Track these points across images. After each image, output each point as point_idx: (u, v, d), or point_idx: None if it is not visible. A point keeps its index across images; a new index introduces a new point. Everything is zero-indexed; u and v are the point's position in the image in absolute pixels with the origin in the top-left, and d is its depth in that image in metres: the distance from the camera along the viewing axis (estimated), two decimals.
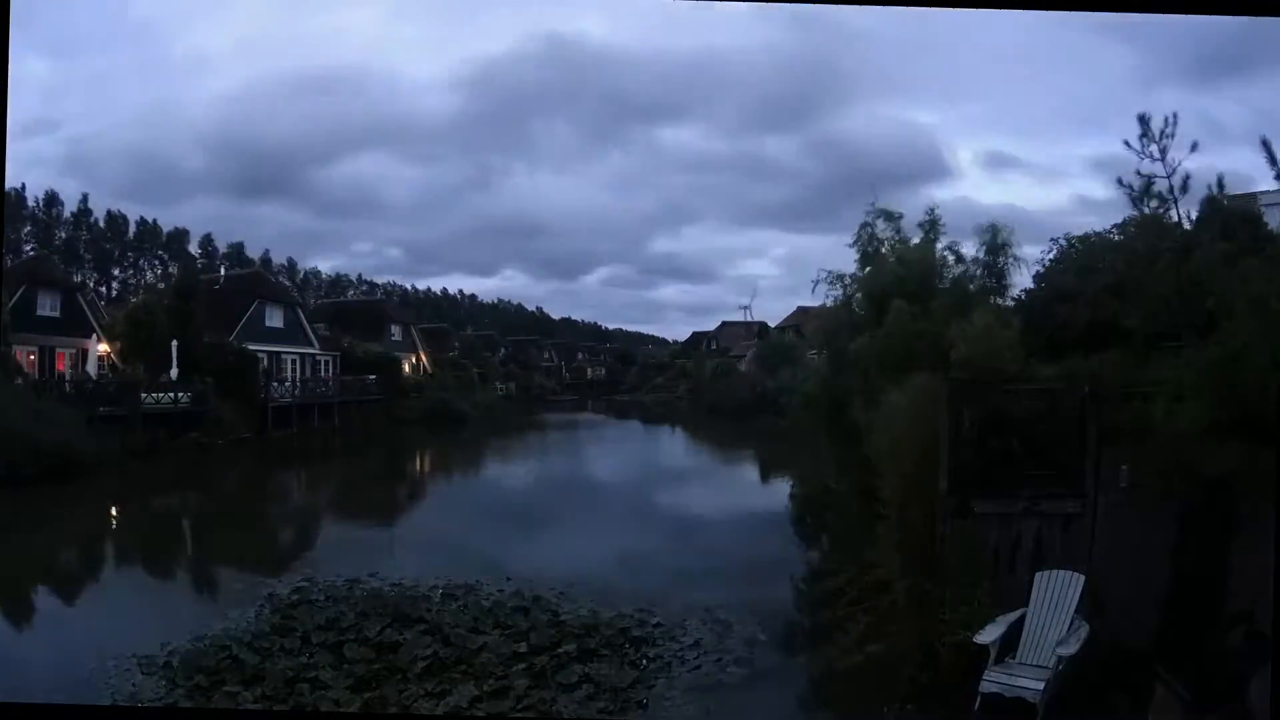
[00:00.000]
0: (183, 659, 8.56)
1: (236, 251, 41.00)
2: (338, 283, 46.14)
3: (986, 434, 8.37)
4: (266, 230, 41.52)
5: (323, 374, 33.25)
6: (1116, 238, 10.96)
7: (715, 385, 39.19)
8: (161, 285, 36.42)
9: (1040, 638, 7.36)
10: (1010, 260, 11.89)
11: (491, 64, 41.74)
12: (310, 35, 41.13)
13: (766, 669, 8.66)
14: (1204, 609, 7.00)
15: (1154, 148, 8.77)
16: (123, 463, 20.72)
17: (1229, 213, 9.48)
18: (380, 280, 46.29)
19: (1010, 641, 7.34)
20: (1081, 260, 11.26)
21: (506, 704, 7.78)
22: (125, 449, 21.46)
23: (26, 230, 37.18)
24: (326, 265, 45.66)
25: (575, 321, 51.46)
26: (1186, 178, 8.90)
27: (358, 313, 38.39)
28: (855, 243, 13.25)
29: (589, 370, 50.35)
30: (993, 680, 6.98)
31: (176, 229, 40.97)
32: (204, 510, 19.16)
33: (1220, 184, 9.29)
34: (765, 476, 24.22)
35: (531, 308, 50.13)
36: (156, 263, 41.73)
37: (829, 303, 14.22)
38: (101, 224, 40.13)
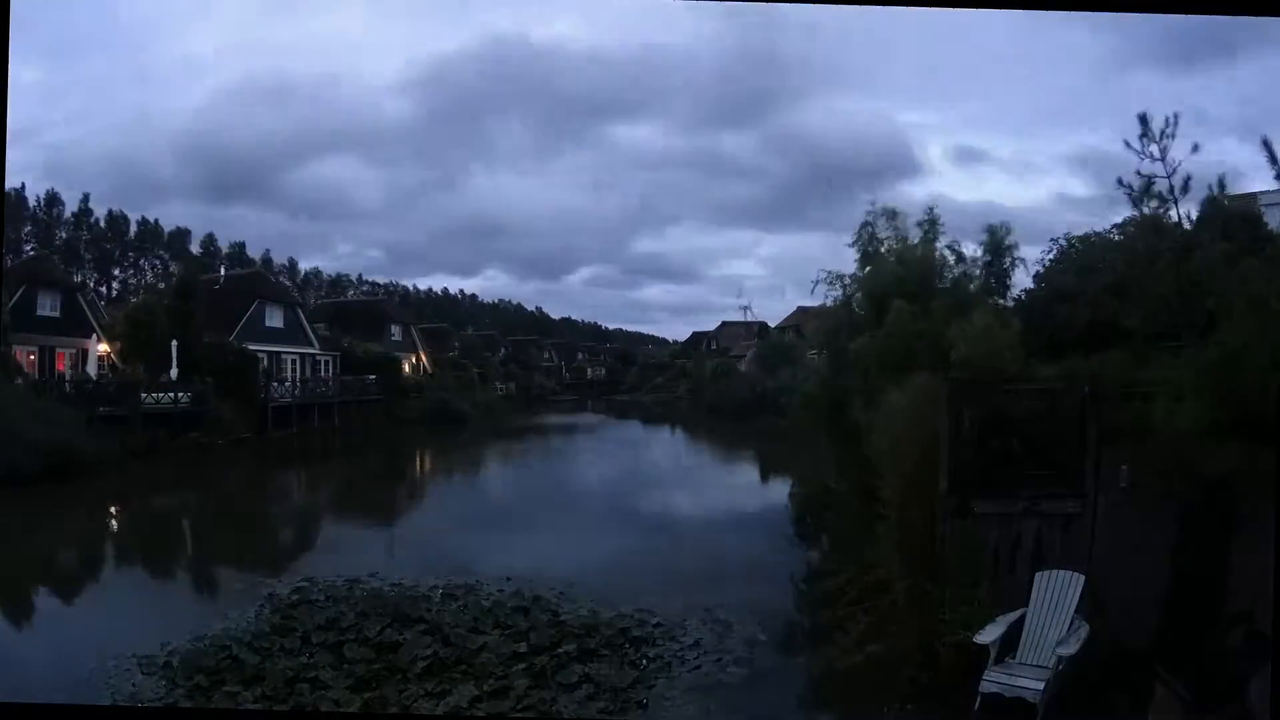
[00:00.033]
0: (183, 659, 8.56)
1: (238, 251, 41.02)
2: (338, 283, 46.16)
3: (986, 434, 8.37)
4: (244, 233, 41.63)
5: (323, 374, 33.25)
6: (1116, 238, 10.97)
7: (715, 385, 39.19)
8: (162, 285, 36.45)
9: (1040, 638, 7.36)
10: (1013, 261, 11.89)
11: (441, 65, 41.79)
12: (276, 41, 41.41)
13: (766, 669, 8.65)
14: (1204, 609, 7.00)
15: (1154, 147, 8.78)
16: (123, 463, 20.72)
17: (1229, 213, 9.48)
18: (381, 280, 46.35)
19: (1010, 641, 7.34)
20: (1081, 260, 11.27)
21: (506, 704, 7.78)
22: (125, 449, 21.46)
23: (26, 230, 37.19)
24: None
25: (575, 321, 51.47)
26: (1187, 179, 8.91)
27: (358, 313, 38.38)
28: (855, 242, 13.25)
29: (589, 370, 50.34)
30: (993, 680, 6.99)
31: (178, 228, 41.05)
32: (204, 510, 19.17)
33: (1221, 184, 9.30)
34: (765, 476, 24.21)
35: (531, 308, 50.16)
36: (157, 263, 41.75)
37: (829, 303, 14.21)
38: (102, 224, 40.15)
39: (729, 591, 10.85)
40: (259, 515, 19.00)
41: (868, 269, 13.08)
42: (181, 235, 41.43)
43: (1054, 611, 7.45)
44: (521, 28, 45.11)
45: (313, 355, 32.99)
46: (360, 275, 45.94)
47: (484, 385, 39.91)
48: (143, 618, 10.42)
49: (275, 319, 31.81)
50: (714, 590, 10.89)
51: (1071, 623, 7.33)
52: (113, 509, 18.30)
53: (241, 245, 41.29)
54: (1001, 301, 11.73)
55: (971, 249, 12.15)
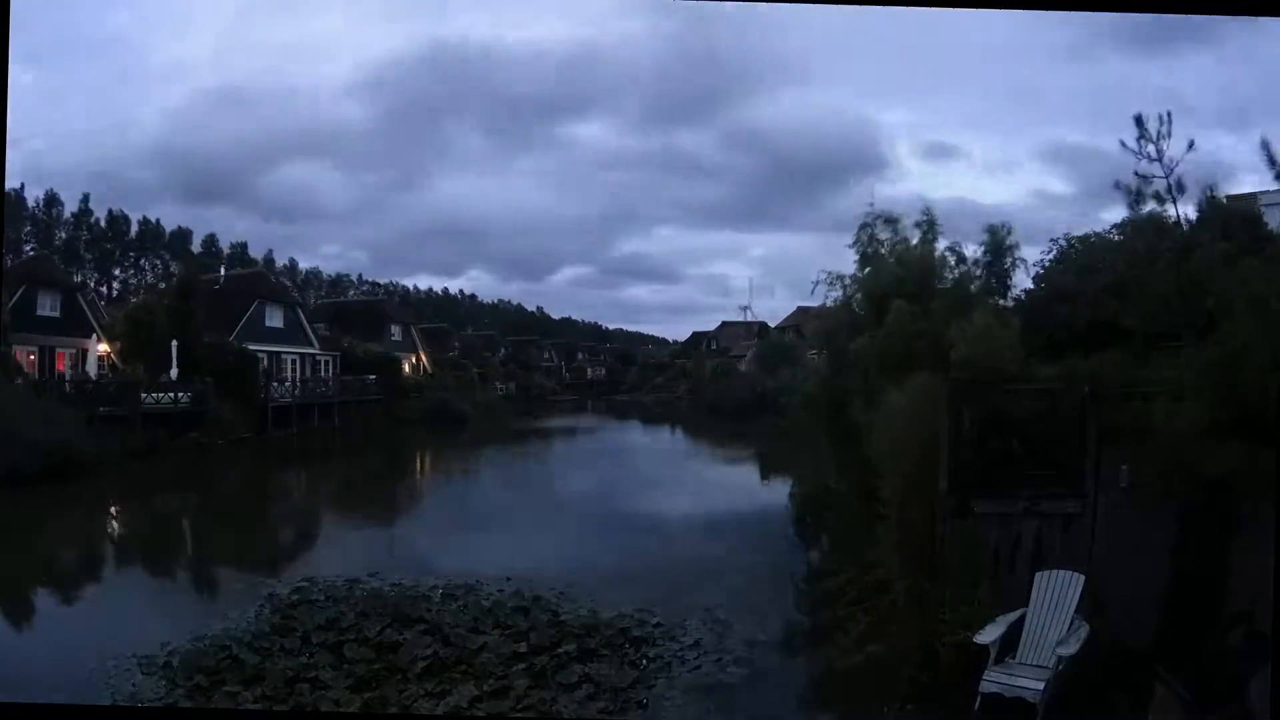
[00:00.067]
0: (183, 659, 8.56)
1: (239, 252, 41.04)
2: (338, 283, 46.18)
3: (986, 434, 8.37)
4: (222, 237, 41.87)
5: (323, 374, 33.27)
6: (1116, 238, 10.97)
7: (715, 385, 39.22)
8: (162, 285, 36.47)
9: (1040, 638, 7.36)
10: (1013, 261, 11.89)
11: (388, 69, 42.04)
12: (239, 47, 41.52)
13: (766, 669, 8.65)
14: (1204, 609, 7.00)
15: (1151, 148, 8.78)
16: (122, 463, 20.73)
17: (1229, 213, 9.48)
18: (381, 280, 46.40)
19: (1010, 641, 7.34)
20: (1081, 260, 11.27)
21: (506, 704, 7.78)
22: (125, 449, 21.47)
23: (26, 230, 37.19)
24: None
25: (575, 321, 51.50)
26: (1178, 178, 8.91)
27: (358, 313, 38.40)
28: (854, 243, 13.26)
29: (589, 370, 50.35)
30: (993, 680, 6.99)
31: (179, 228, 41.09)
32: (204, 510, 19.17)
33: (1210, 184, 9.31)
34: (765, 477, 24.22)
35: (531, 308, 50.19)
36: (157, 263, 41.76)
37: (829, 303, 14.22)
38: (102, 224, 40.15)
39: (729, 591, 10.86)
40: (259, 515, 19.00)
41: (867, 269, 13.09)
42: (182, 235, 41.47)
43: (1054, 611, 7.45)
44: (461, 31, 45.29)
45: (313, 355, 33.00)
46: (360, 275, 46.04)
47: (484, 385, 39.92)
48: (143, 618, 10.42)
49: (275, 319, 31.82)
50: (714, 590, 10.90)
51: (1071, 623, 7.33)
52: (113, 509, 18.31)
53: (243, 245, 41.36)
54: (1002, 302, 11.73)
55: (973, 249, 12.16)
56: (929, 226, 12.50)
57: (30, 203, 36.90)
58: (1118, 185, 9.10)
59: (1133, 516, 7.72)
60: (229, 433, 25.89)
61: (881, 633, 8.57)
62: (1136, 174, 8.95)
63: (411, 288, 47.01)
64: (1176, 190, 8.92)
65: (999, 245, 11.98)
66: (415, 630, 9.41)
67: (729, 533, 15.55)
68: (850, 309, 13.36)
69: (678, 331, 50.41)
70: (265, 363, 29.84)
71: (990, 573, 8.05)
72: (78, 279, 35.06)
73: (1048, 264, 12.09)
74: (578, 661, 8.67)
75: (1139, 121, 8.79)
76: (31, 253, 34.63)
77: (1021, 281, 12.04)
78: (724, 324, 45.30)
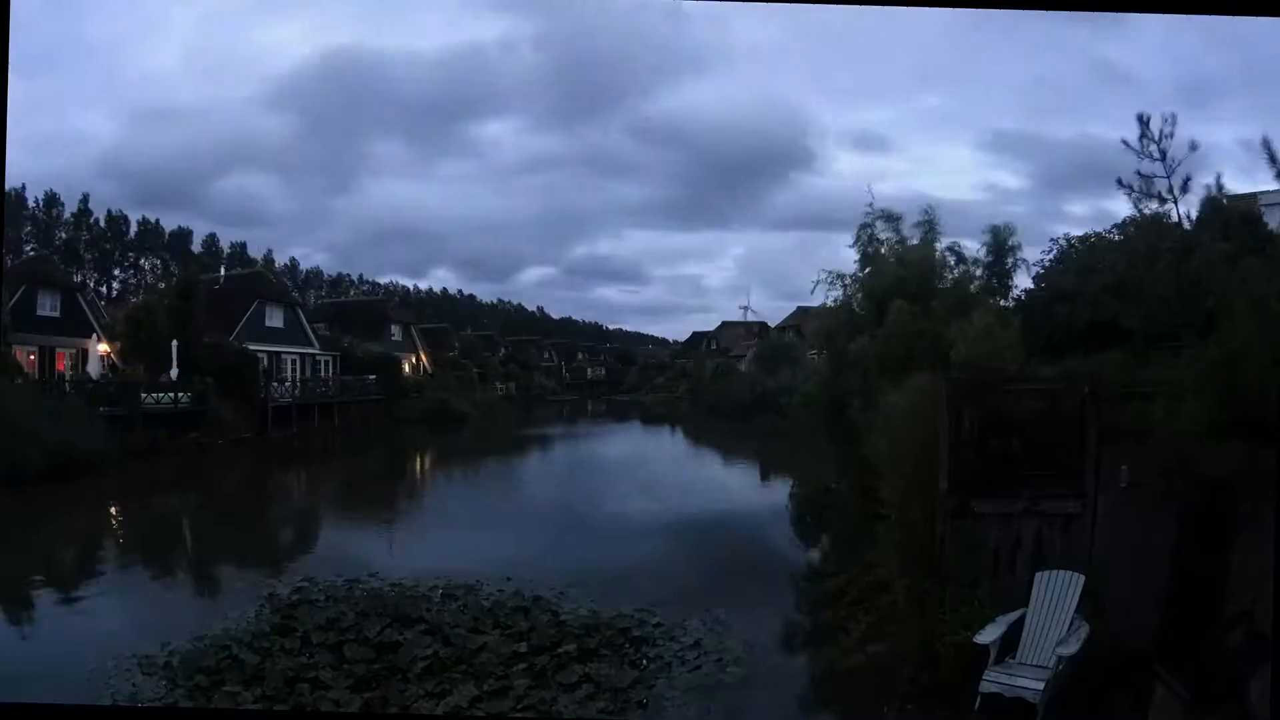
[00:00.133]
0: (183, 659, 8.56)
1: (239, 251, 41.06)
2: (338, 282, 46.20)
3: (986, 434, 8.36)
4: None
5: (323, 374, 33.27)
6: (1116, 238, 10.97)
7: (715, 385, 39.22)
8: (162, 285, 36.49)
9: (1040, 638, 7.36)
10: (1015, 261, 11.88)
11: (294, 80, 42.37)
12: (171, 63, 41.79)
13: (767, 669, 8.66)
14: (1204, 609, 6.99)
15: (1153, 147, 8.79)
16: (122, 462, 20.72)
17: (1229, 213, 9.48)
18: (382, 280, 46.46)
19: (1010, 641, 7.33)
20: (1081, 260, 11.27)
21: (506, 704, 7.78)
22: (125, 449, 21.47)
23: (26, 230, 37.20)
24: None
25: (576, 321, 51.52)
26: (1187, 179, 8.91)
27: (358, 313, 38.40)
28: (855, 243, 13.27)
29: (589, 370, 50.36)
30: (993, 680, 6.98)
31: (179, 228, 41.15)
32: (204, 510, 19.17)
33: (1220, 184, 9.32)
34: (765, 477, 24.22)
35: (531, 307, 50.22)
36: (157, 263, 41.77)
37: (829, 303, 14.22)
38: (102, 224, 40.16)
39: (729, 591, 10.86)
40: (259, 515, 19.00)
41: (868, 269, 13.09)
42: (182, 235, 41.49)
43: (1054, 611, 7.45)
44: (356, 40, 45.77)
45: (313, 355, 33.01)
46: (360, 275, 46.10)
47: (484, 385, 39.92)
48: (143, 617, 10.42)
49: (275, 319, 31.83)
50: (714, 590, 10.90)
51: (1071, 623, 7.33)
52: (113, 509, 18.30)
53: (243, 245, 41.42)
54: (1002, 302, 11.73)
55: (973, 249, 12.16)
56: (929, 226, 12.51)
57: (30, 203, 36.92)
58: (1120, 183, 9.11)
59: (1133, 516, 7.72)
60: (229, 433, 25.90)
61: (881, 633, 8.57)
62: (1139, 173, 8.96)
63: (411, 288, 47.05)
64: (1180, 190, 8.93)
65: (1000, 245, 11.98)
66: (415, 630, 9.41)
67: (729, 533, 15.55)
68: (850, 309, 13.36)
69: (676, 331, 50.45)
70: (265, 363, 29.85)
71: (990, 573, 8.04)
72: (78, 279, 35.08)
73: (1048, 264, 12.10)
74: (578, 661, 8.67)
75: (1141, 121, 8.80)
76: (31, 253, 34.64)
77: (1022, 281, 12.06)
78: (724, 324, 45.34)
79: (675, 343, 49.20)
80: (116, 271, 41.29)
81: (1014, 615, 7.43)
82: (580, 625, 9.66)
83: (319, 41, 46.55)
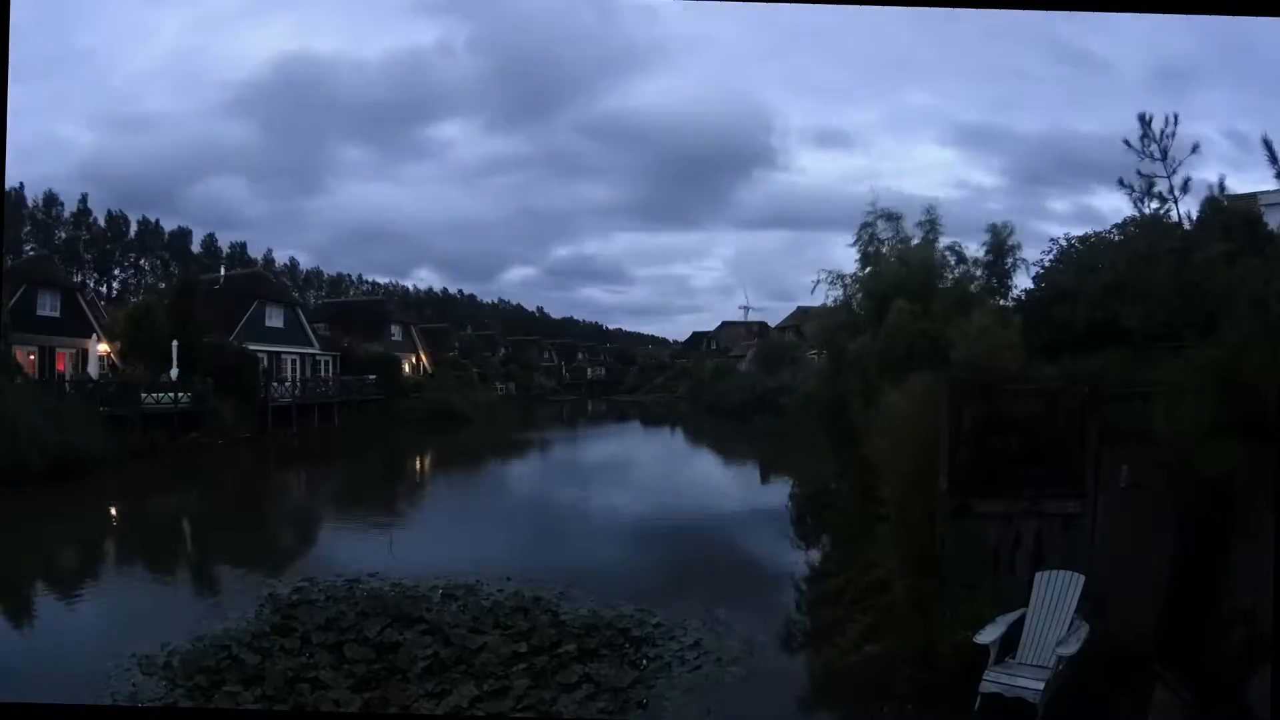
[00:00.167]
0: (183, 659, 8.55)
1: (239, 251, 41.08)
2: (338, 282, 46.22)
3: (986, 434, 8.37)
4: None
5: (323, 374, 33.29)
6: (1116, 238, 10.96)
7: (715, 385, 39.25)
8: (162, 285, 36.53)
9: (1040, 638, 7.36)
10: (1015, 261, 11.88)
11: (248, 89, 42.40)
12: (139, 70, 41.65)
13: (767, 669, 8.65)
14: (1204, 609, 6.99)
15: (1154, 147, 8.79)
16: (122, 463, 20.73)
17: (1229, 213, 9.48)
18: (382, 280, 46.52)
19: (1010, 641, 7.33)
20: (1082, 260, 11.25)
21: (506, 704, 7.77)
22: (125, 449, 21.47)
23: (26, 230, 37.20)
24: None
25: (576, 321, 51.56)
26: (1187, 180, 8.92)
27: (358, 313, 38.47)
28: (856, 242, 13.27)
29: (589, 370, 50.43)
30: (993, 680, 6.98)
31: (179, 228, 41.20)
32: (204, 510, 19.17)
33: (1222, 185, 9.32)
34: (765, 477, 24.23)
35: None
36: (157, 263, 41.78)
37: (829, 302, 14.22)
38: (102, 224, 40.16)
39: (729, 592, 10.85)
40: (259, 515, 19.00)
41: (868, 269, 13.09)
42: (182, 235, 41.51)
43: (1054, 611, 7.45)
44: (303, 46, 45.81)
45: (313, 355, 33.04)
46: (360, 275, 46.15)
47: (484, 385, 39.96)
48: (143, 617, 10.42)
49: (275, 319, 31.87)
50: (714, 591, 10.90)
51: (1071, 623, 7.33)
52: (113, 509, 18.30)
53: (242, 245, 41.46)
54: (1002, 301, 11.73)
55: (973, 248, 12.16)
56: (931, 225, 12.51)
57: (30, 203, 36.93)
58: (1121, 183, 9.12)
59: (1133, 516, 7.71)
60: (229, 433, 25.92)
61: (881, 633, 8.57)
62: (1139, 173, 8.96)
63: (411, 287, 47.09)
64: (1182, 191, 8.93)
65: (1000, 245, 11.98)
66: (415, 630, 9.40)
67: (730, 533, 15.57)
68: (850, 308, 13.36)
69: (670, 331, 50.51)
70: (265, 363, 29.87)
71: (990, 573, 8.04)
72: (78, 279, 35.11)
73: (1048, 264, 12.08)
74: (578, 661, 8.66)
75: (1143, 120, 8.81)
76: (31, 253, 34.65)
77: (1021, 281, 12.05)
78: (724, 324, 45.45)
79: (675, 342, 49.34)
80: (116, 271, 41.33)
81: (1014, 615, 7.43)
82: (580, 625, 9.65)
83: (275, 49, 47.00)
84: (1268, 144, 7.36)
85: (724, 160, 41.02)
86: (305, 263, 46.55)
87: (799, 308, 36.00)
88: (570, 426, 40.73)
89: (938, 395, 8.62)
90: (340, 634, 9.32)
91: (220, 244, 41.86)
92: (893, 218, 12.99)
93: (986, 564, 8.07)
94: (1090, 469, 8.05)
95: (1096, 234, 11.36)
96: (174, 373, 25.60)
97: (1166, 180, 8.92)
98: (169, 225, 41.50)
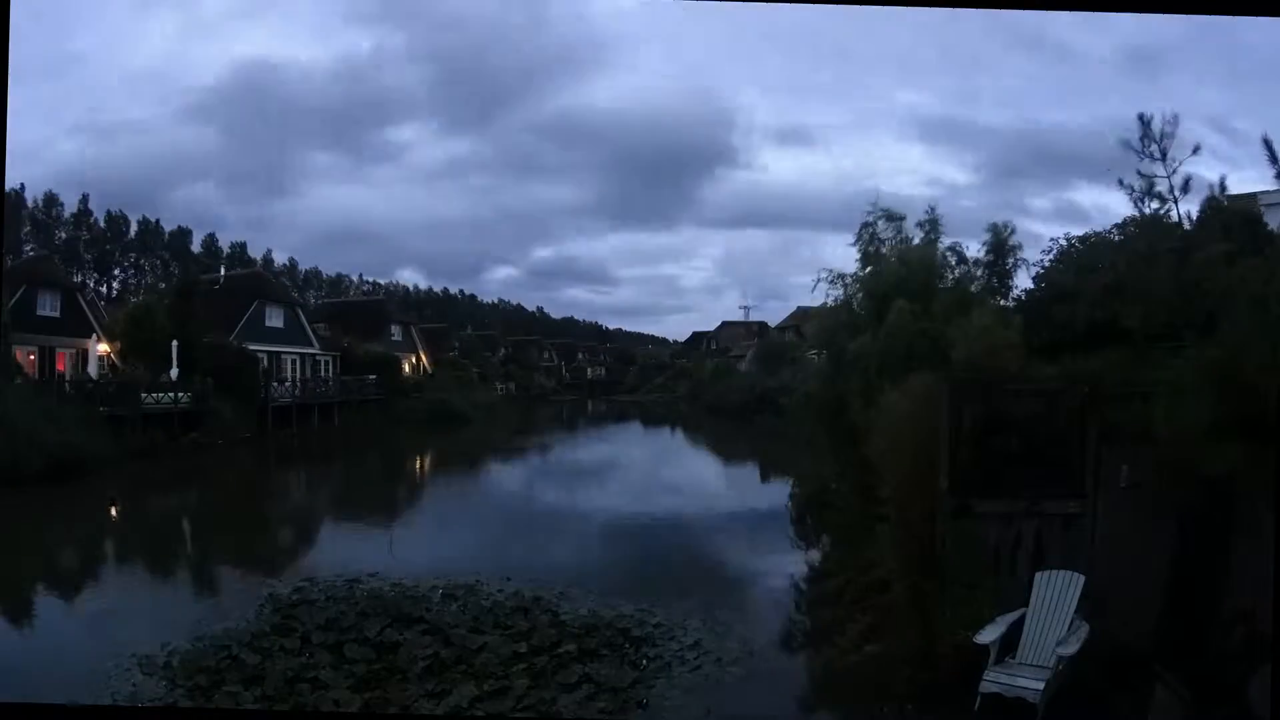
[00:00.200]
0: (183, 659, 8.56)
1: (239, 251, 41.07)
2: (338, 282, 46.22)
3: (987, 434, 8.36)
4: None
5: (323, 374, 33.28)
6: (1116, 238, 10.96)
7: (715, 385, 39.24)
8: (162, 285, 36.54)
9: (1040, 638, 7.36)
10: (1015, 261, 11.88)
11: (210, 96, 42.47)
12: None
13: (767, 669, 8.65)
14: (1204, 609, 6.99)
15: (1154, 147, 8.79)
16: (122, 462, 20.72)
17: (1229, 213, 9.48)
18: (382, 280, 46.53)
19: (1010, 641, 7.33)
20: (1082, 260, 11.26)
21: (506, 704, 7.77)
22: (125, 449, 21.47)
23: (26, 230, 37.21)
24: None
25: (576, 321, 51.55)
26: (1187, 180, 8.92)
27: (358, 312, 38.43)
28: (856, 242, 13.27)
29: (589, 370, 50.40)
30: (993, 680, 6.98)
31: (179, 228, 41.19)
32: (204, 510, 19.17)
33: (1223, 185, 9.33)
34: (765, 477, 24.23)
35: (531, 307, 50.24)
36: (157, 263, 41.78)
37: (829, 303, 14.22)
38: (102, 224, 40.17)
39: (729, 592, 10.86)
40: (259, 515, 19.00)
41: (868, 269, 13.09)
42: (182, 235, 41.50)
43: (1054, 611, 7.45)
44: (259, 52, 45.90)
45: (313, 355, 33.02)
46: (360, 274, 46.15)
47: (484, 385, 39.94)
48: (143, 617, 10.42)
49: (275, 319, 31.84)
50: (714, 590, 10.91)
51: (1071, 623, 7.33)
52: (112, 509, 18.29)
53: (242, 245, 41.43)
54: (1002, 301, 11.73)
55: (974, 248, 12.16)
56: (932, 225, 12.51)
57: (30, 203, 36.94)
58: (1121, 183, 9.13)
59: (1133, 516, 7.72)
60: (229, 433, 25.90)
61: (881, 633, 8.57)
62: (1139, 173, 8.97)
63: (411, 287, 47.10)
64: (1181, 190, 8.93)
65: (1000, 245, 11.98)
66: (415, 630, 9.41)
67: (730, 533, 15.56)
68: (850, 308, 13.36)
69: (666, 330, 50.53)
70: (265, 363, 29.85)
71: (990, 573, 8.04)
72: (78, 279, 35.11)
73: (1048, 264, 12.08)
74: (578, 661, 8.66)
75: (1143, 120, 8.82)
76: (31, 253, 34.65)
77: (1021, 281, 12.06)
78: (724, 324, 45.42)
79: (675, 342, 49.29)
80: (116, 271, 41.32)
81: (1014, 615, 7.43)
82: (580, 625, 9.65)
83: (233, 55, 46.96)
84: (1268, 144, 7.37)
85: (688, 158, 41.10)
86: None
87: (799, 308, 35.99)
88: (570, 426, 40.75)
89: (938, 395, 8.61)
90: (340, 634, 9.32)
91: (220, 244, 41.87)
92: (894, 218, 12.99)
93: (986, 564, 8.07)
94: (1090, 469, 8.05)
95: (1095, 234, 11.37)
96: (174, 373, 25.58)
97: (1166, 180, 8.91)
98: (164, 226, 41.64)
